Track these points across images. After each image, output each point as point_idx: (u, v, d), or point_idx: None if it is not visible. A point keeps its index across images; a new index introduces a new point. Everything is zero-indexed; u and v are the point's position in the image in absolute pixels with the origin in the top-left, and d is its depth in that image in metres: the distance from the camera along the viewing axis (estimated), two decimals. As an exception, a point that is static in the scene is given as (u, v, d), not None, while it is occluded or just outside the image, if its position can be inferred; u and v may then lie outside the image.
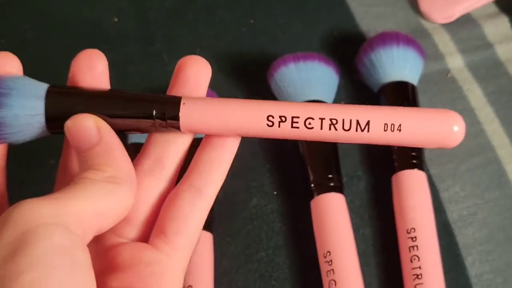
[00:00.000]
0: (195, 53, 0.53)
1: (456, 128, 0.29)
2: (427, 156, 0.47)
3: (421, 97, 0.49)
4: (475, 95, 0.51)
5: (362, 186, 0.48)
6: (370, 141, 0.29)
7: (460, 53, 0.53)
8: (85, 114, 0.29)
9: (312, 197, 0.45)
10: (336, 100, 0.50)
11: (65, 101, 0.30)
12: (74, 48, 0.55)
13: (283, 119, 0.29)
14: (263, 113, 0.29)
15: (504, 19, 0.54)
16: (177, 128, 0.30)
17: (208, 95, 0.48)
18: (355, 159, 0.49)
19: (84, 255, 0.26)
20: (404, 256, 0.43)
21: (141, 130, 0.30)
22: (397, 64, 0.48)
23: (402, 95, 0.48)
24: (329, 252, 0.42)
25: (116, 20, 0.58)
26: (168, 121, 0.29)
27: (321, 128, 0.29)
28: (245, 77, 0.53)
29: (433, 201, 0.45)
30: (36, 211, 0.25)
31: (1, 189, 0.31)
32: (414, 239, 0.42)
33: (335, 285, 0.41)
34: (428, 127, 0.29)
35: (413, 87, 0.48)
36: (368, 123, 0.29)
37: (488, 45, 0.53)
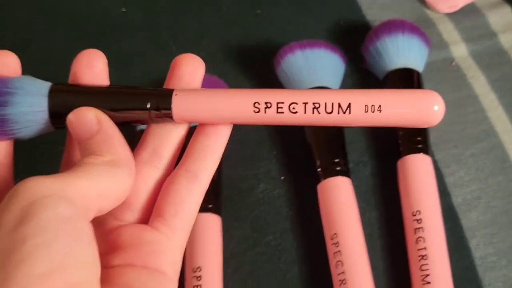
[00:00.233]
0: (201, 43, 0.56)
1: (436, 107, 0.30)
2: (432, 142, 0.48)
3: (426, 85, 0.50)
4: (479, 82, 0.52)
5: (368, 171, 0.49)
6: (352, 123, 0.30)
7: (464, 42, 0.54)
8: (85, 107, 0.31)
9: (318, 181, 0.46)
10: (343, 87, 0.51)
11: (67, 97, 0.32)
12: (82, 39, 0.57)
13: (268, 105, 0.30)
14: (249, 100, 0.30)
15: (507, 9, 0.55)
16: (171, 118, 0.31)
17: (215, 83, 0.50)
18: (361, 146, 0.50)
19: (87, 225, 0.27)
20: (410, 238, 0.44)
21: (139, 122, 0.32)
22: (402, 52, 0.49)
23: (407, 82, 0.49)
24: (336, 234, 0.43)
25: (124, 11, 0.59)
26: (162, 111, 0.31)
27: (305, 112, 0.30)
28: (252, 66, 0.54)
29: (438, 186, 0.46)
30: (42, 186, 0.26)
31: (8, 184, 0.33)
32: (419, 221, 0.43)
33: (342, 265, 0.42)
34: (408, 107, 0.30)
35: (418, 74, 0.49)
36: (349, 105, 0.30)
37: (492, 34, 0.54)
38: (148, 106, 0.31)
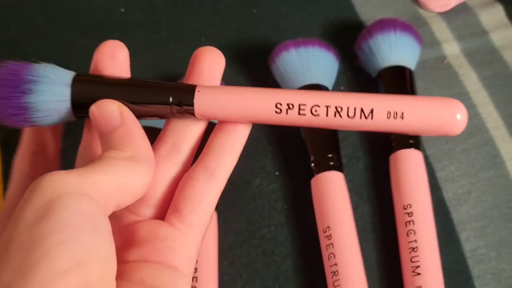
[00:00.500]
0: (200, 41, 0.57)
1: (459, 116, 0.30)
2: (423, 137, 0.49)
3: (418, 83, 0.51)
4: (471, 80, 0.53)
5: (361, 166, 0.50)
6: (374, 128, 0.30)
7: (456, 40, 0.55)
8: (109, 100, 0.31)
9: (312, 176, 0.47)
10: (336, 85, 0.52)
11: (90, 88, 0.32)
12: (84, 37, 0.58)
13: (291, 106, 0.30)
14: (272, 100, 0.31)
15: (498, 7, 0.56)
16: (192, 114, 0.32)
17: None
18: (355, 141, 0.51)
19: (106, 222, 0.27)
20: (401, 230, 0.45)
21: (159, 116, 0.32)
22: (395, 50, 0.50)
23: (399, 79, 0.50)
24: (328, 227, 0.44)
25: (123, 10, 0.60)
26: (184, 107, 0.31)
27: (327, 115, 0.30)
28: (248, 64, 0.55)
29: (430, 180, 0.47)
30: (62, 181, 0.27)
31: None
32: (410, 214, 0.44)
33: (334, 258, 0.43)
34: (431, 115, 0.30)
35: (410, 71, 0.50)
36: (372, 111, 0.30)
37: (483, 32, 0.55)
38: (171, 100, 0.31)
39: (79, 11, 0.60)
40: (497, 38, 0.55)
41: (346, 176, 0.47)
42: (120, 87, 0.32)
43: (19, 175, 0.34)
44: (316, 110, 0.30)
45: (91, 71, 0.33)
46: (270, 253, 0.47)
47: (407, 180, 0.45)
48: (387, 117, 0.30)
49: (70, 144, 0.36)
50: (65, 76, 0.32)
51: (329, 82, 0.51)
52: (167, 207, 0.32)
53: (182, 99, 0.31)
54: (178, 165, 0.33)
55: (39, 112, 0.31)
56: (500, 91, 0.52)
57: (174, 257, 0.30)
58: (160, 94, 0.32)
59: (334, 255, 0.43)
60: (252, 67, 0.55)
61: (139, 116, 0.32)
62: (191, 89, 0.31)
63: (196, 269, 0.44)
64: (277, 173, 0.50)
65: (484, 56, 0.54)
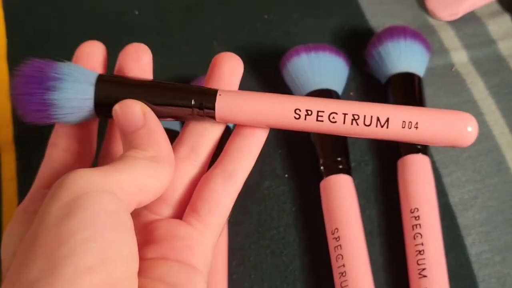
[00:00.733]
0: (212, 45, 0.58)
1: (469, 129, 0.31)
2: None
3: (426, 90, 0.52)
4: (478, 88, 0.54)
5: (369, 170, 0.50)
6: (389, 137, 0.31)
7: (464, 49, 0.56)
8: (132, 100, 0.32)
9: (321, 179, 0.48)
10: (345, 90, 0.53)
11: (113, 88, 0.33)
12: (97, 39, 0.58)
13: (309, 112, 0.31)
14: (291, 106, 0.31)
15: (506, 17, 0.57)
16: (212, 117, 0.32)
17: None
18: (363, 146, 0.51)
19: (129, 220, 0.28)
20: (408, 234, 0.45)
21: (180, 118, 0.33)
22: (404, 56, 0.51)
23: (408, 86, 0.51)
24: (337, 228, 0.45)
25: (137, 13, 0.61)
26: (205, 110, 0.32)
27: (344, 123, 0.31)
28: (260, 68, 0.56)
29: (436, 185, 0.48)
30: (87, 179, 0.28)
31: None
32: (417, 218, 0.45)
33: (342, 259, 0.44)
34: (443, 126, 0.31)
35: (419, 78, 0.51)
36: (387, 120, 0.31)
37: (491, 42, 0.56)
38: (192, 103, 0.32)
39: (92, 13, 0.61)
40: (505, 47, 0.56)
41: (354, 180, 0.48)
42: (143, 88, 0.33)
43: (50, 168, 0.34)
44: (333, 117, 0.31)
45: (115, 72, 0.34)
46: (278, 253, 0.48)
47: (414, 184, 0.46)
48: (402, 127, 0.31)
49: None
50: (90, 75, 0.33)
51: (339, 87, 0.52)
52: (184, 207, 0.33)
53: (204, 102, 0.32)
54: (196, 167, 0.34)
55: (62, 109, 0.32)
56: (507, 99, 0.53)
57: (191, 255, 0.31)
58: (182, 97, 0.32)
59: (342, 256, 0.44)
60: (263, 71, 0.56)
61: (159, 117, 0.33)
62: (213, 92, 0.32)
63: (206, 267, 0.45)
64: (286, 175, 0.51)
65: (491, 65, 0.55)
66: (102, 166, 0.30)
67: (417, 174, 0.47)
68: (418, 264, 0.44)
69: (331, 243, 0.45)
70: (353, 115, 0.31)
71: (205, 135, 0.34)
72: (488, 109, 0.52)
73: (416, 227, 0.45)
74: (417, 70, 0.51)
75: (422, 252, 0.44)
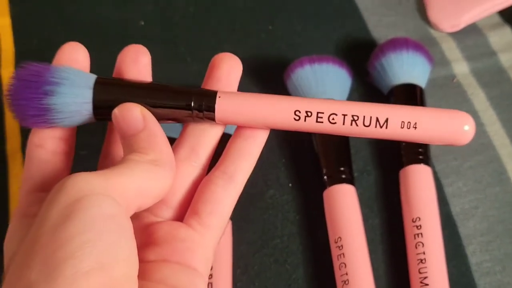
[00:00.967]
0: None
1: (466, 128, 0.31)
2: (432, 153, 0.51)
3: (428, 100, 0.53)
4: (479, 99, 0.54)
5: (371, 180, 0.51)
6: (388, 137, 0.32)
7: (466, 60, 0.57)
8: (131, 103, 0.32)
9: (324, 188, 0.49)
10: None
11: (111, 91, 0.32)
12: (102, 49, 0.59)
13: (309, 113, 0.32)
14: (291, 107, 0.32)
15: (507, 29, 0.58)
16: (212, 119, 0.33)
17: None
18: (366, 156, 0.52)
19: (128, 223, 0.28)
20: (409, 242, 0.46)
21: (179, 120, 0.33)
22: (406, 68, 0.52)
23: (410, 96, 0.51)
24: (340, 237, 0.46)
25: (142, 23, 0.61)
26: (205, 112, 0.32)
27: (343, 124, 0.32)
28: (264, 79, 0.57)
29: (438, 195, 0.48)
30: (87, 182, 0.28)
31: (63, 173, 0.34)
32: (419, 227, 0.46)
33: (345, 267, 0.44)
34: (441, 125, 0.31)
35: (421, 89, 0.52)
36: (386, 120, 0.31)
37: (492, 53, 0.57)
38: (192, 105, 0.32)
39: (98, 23, 0.61)
40: (506, 59, 0.56)
41: (357, 189, 0.49)
42: (142, 90, 0.33)
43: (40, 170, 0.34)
44: (333, 118, 0.31)
45: (114, 74, 0.34)
46: (282, 262, 0.48)
47: (416, 194, 0.47)
48: (401, 127, 0.31)
49: (95, 145, 0.38)
50: (87, 79, 0.32)
51: (341, 98, 0.52)
52: (185, 209, 0.33)
53: (203, 104, 0.32)
54: (196, 168, 0.34)
55: (60, 114, 0.32)
56: (508, 111, 0.54)
57: (192, 258, 0.31)
58: (181, 99, 0.32)
59: (345, 264, 0.45)
60: (267, 82, 0.56)
61: (159, 119, 0.32)
62: (212, 94, 0.32)
63: (211, 275, 0.45)
64: (290, 184, 0.51)
65: (492, 76, 0.56)
66: (103, 169, 0.30)
67: (419, 184, 0.47)
68: (420, 273, 0.44)
69: (334, 252, 0.46)
70: (352, 116, 0.31)
71: (205, 136, 0.34)
72: (488, 120, 0.53)
73: (418, 236, 0.45)
74: (419, 81, 0.52)
75: (423, 261, 0.44)
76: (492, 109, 0.54)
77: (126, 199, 0.29)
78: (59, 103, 0.31)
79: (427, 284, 0.44)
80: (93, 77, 0.33)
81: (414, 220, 0.46)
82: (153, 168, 0.30)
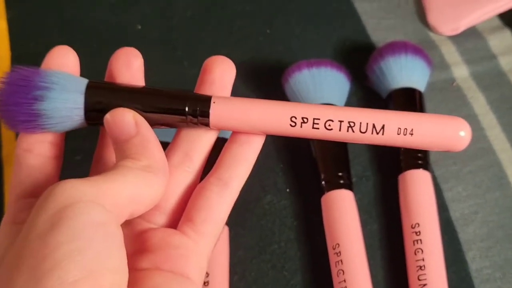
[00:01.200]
0: None
1: (462, 134, 0.31)
2: (432, 158, 0.50)
3: (427, 104, 0.52)
4: (479, 102, 0.54)
5: (370, 185, 0.51)
6: (384, 143, 0.31)
7: (465, 64, 0.56)
8: (124, 108, 0.31)
9: (322, 193, 0.48)
10: (347, 105, 0.53)
11: (103, 95, 0.32)
12: (100, 53, 0.59)
13: (305, 120, 0.31)
14: (287, 113, 0.31)
15: (507, 33, 0.58)
16: (206, 124, 0.32)
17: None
18: (364, 161, 0.52)
19: (118, 231, 0.28)
20: (408, 249, 0.46)
21: (173, 125, 0.33)
22: (405, 72, 0.51)
23: (409, 100, 0.51)
24: (338, 244, 0.45)
25: (139, 27, 0.61)
26: (199, 117, 0.32)
27: (340, 130, 0.31)
28: (262, 83, 0.56)
29: (437, 200, 0.48)
30: (76, 189, 0.27)
31: (53, 179, 0.33)
32: (418, 233, 0.45)
33: (343, 274, 0.44)
34: (438, 132, 0.31)
35: (420, 93, 0.51)
36: (383, 126, 0.31)
37: (492, 56, 0.56)
38: (186, 111, 0.31)
39: (96, 27, 0.61)
40: (506, 62, 0.56)
41: (355, 195, 0.48)
42: (135, 95, 0.32)
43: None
44: (329, 125, 0.31)
45: (106, 78, 0.33)
46: (280, 268, 0.48)
47: (415, 199, 0.46)
48: (398, 133, 0.31)
49: (89, 150, 0.37)
50: (78, 83, 0.32)
51: (340, 102, 0.52)
52: (179, 216, 0.33)
53: (198, 109, 0.32)
54: (190, 174, 0.33)
55: (51, 119, 0.31)
56: (508, 114, 0.53)
57: (186, 265, 0.31)
58: (175, 104, 0.32)
59: (343, 271, 0.44)
60: (265, 86, 0.56)
61: (152, 124, 0.32)
62: (207, 99, 0.32)
63: (208, 282, 0.45)
64: (287, 190, 0.51)
65: (492, 80, 0.55)
66: (95, 174, 0.29)
67: (418, 190, 0.47)
68: (419, 280, 0.44)
69: (332, 258, 0.45)
70: (349, 122, 0.31)
71: (199, 141, 0.33)
72: (488, 124, 0.53)
73: (417, 243, 0.45)
74: (418, 85, 0.51)
75: (423, 268, 0.44)
76: (492, 113, 0.53)
77: (117, 206, 0.28)
78: (50, 109, 0.31)
79: (426, 291, 0.43)
80: (85, 81, 0.32)
81: (413, 226, 0.46)
82: (145, 174, 0.30)
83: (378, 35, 0.58)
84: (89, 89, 0.32)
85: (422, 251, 0.45)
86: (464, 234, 0.48)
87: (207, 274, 0.45)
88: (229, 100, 0.32)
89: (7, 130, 0.53)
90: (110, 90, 0.32)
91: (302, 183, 0.51)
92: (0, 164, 0.52)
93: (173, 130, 0.35)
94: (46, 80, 0.31)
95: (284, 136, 0.33)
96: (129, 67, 0.33)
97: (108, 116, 0.31)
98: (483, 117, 0.53)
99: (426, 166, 0.48)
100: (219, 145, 0.35)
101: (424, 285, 0.44)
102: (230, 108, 0.32)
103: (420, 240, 0.45)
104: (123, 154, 0.31)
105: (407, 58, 0.52)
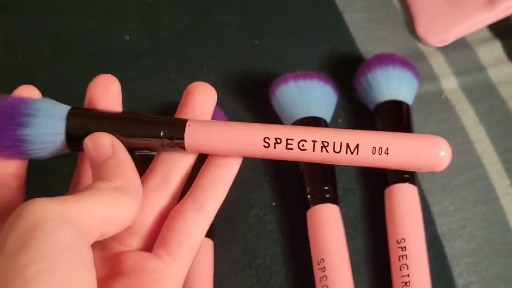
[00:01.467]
0: (202, 71, 0.58)
1: (442, 153, 0.30)
2: (419, 172, 0.50)
3: (415, 116, 0.52)
4: (467, 115, 0.53)
5: (356, 199, 0.50)
6: (359, 163, 0.31)
7: (454, 75, 0.56)
8: (102, 133, 0.32)
9: (308, 208, 0.48)
10: (335, 117, 0.53)
11: (84, 121, 0.33)
12: (88, 64, 0.59)
13: (278, 140, 0.31)
14: (260, 135, 0.31)
15: (497, 44, 0.57)
16: (183, 147, 0.32)
17: (214, 112, 0.52)
18: (351, 174, 0.51)
19: (88, 251, 0.27)
20: (394, 264, 0.45)
21: (151, 149, 0.33)
22: (392, 84, 0.51)
23: (396, 113, 0.51)
24: (322, 259, 0.45)
25: (128, 38, 0.61)
26: (175, 140, 0.32)
27: (314, 150, 0.31)
28: (249, 94, 0.56)
29: (424, 214, 0.47)
30: (46, 209, 0.27)
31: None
32: (403, 248, 0.45)
33: (328, 290, 0.44)
34: (415, 151, 0.30)
35: (407, 106, 0.51)
36: (357, 146, 0.30)
37: (481, 68, 0.56)
38: (161, 134, 0.32)
39: (84, 38, 0.61)
40: (495, 74, 0.56)
41: (341, 209, 0.48)
42: (113, 121, 0.33)
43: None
44: (303, 145, 0.31)
45: (85, 104, 0.34)
46: (265, 283, 0.47)
47: (401, 214, 0.46)
48: (372, 153, 0.30)
49: (75, 164, 0.37)
50: (60, 110, 0.33)
51: (327, 114, 0.51)
52: (154, 239, 0.33)
53: (173, 133, 0.32)
54: (167, 198, 0.33)
55: (34, 144, 0.32)
56: (497, 127, 0.53)
57: None
58: (151, 128, 0.32)
59: (327, 287, 0.44)
60: (253, 98, 0.56)
61: (131, 149, 0.33)
62: (182, 123, 0.32)
63: (191, 297, 0.44)
64: (273, 203, 0.51)
65: (481, 92, 0.55)
66: (65, 196, 0.29)
67: (404, 204, 0.46)
68: (404, 296, 0.43)
69: (317, 274, 0.45)
70: (322, 142, 0.31)
71: (177, 165, 0.33)
72: (477, 136, 0.52)
73: (403, 258, 0.45)
74: (405, 98, 0.51)
75: (408, 284, 0.44)
76: (481, 126, 0.53)
77: (87, 226, 0.28)
78: (33, 134, 0.32)
79: (411, 308, 0.43)
80: (67, 108, 0.33)
81: (399, 241, 0.45)
82: (117, 195, 0.30)
83: (367, 46, 0.58)
84: (70, 116, 0.33)
85: (408, 266, 0.44)
86: (451, 249, 0.48)
87: (191, 289, 0.45)
88: (204, 123, 0.33)
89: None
90: (90, 116, 0.33)
91: (288, 197, 0.51)
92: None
93: None
94: (30, 107, 0.32)
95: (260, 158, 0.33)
96: (107, 92, 0.34)
97: (87, 140, 0.32)
98: (472, 130, 0.53)
99: (412, 180, 0.48)
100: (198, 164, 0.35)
101: (410, 301, 0.43)
102: (204, 131, 0.32)
103: (406, 255, 0.44)
104: (98, 176, 0.31)
105: (395, 70, 0.51)
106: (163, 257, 0.31)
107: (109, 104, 0.34)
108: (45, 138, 0.32)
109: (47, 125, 0.32)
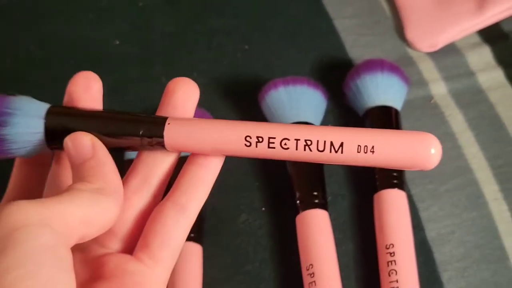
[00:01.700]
0: (192, 76, 0.57)
1: (433, 151, 0.29)
2: (408, 177, 0.50)
3: (404, 122, 0.52)
4: (457, 120, 0.53)
5: (346, 204, 0.50)
6: (344, 162, 0.30)
7: (444, 80, 0.56)
8: (82, 132, 0.31)
9: (297, 213, 0.48)
10: (324, 123, 0.53)
11: (63, 120, 0.32)
12: (78, 68, 0.58)
13: (260, 139, 0.30)
14: (241, 133, 0.30)
15: (486, 49, 0.57)
16: (163, 146, 0.31)
17: (201, 115, 0.51)
18: (340, 179, 0.51)
19: (68, 255, 0.27)
20: (383, 270, 0.45)
21: (132, 148, 0.33)
22: (381, 90, 0.51)
23: (385, 118, 0.51)
24: (311, 265, 0.45)
25: (118, 43, 0.61)
26: (154, 139, 0.31)
27: (296, 149, 0.30)
28: (239, 100, 0.56)
29: (413, 220, 0.47)
30: (24, 212, 0.26)
31: None
32: (392, 254, 0.45)
33: (316, 296, 0.44)
34: (403, 149, 0.29)
35: (396, 111, 0.51)
36: (341, 144, 0.29)
37: (471, 73, 0.56)
38: (141, 133, 0.31)
39: (74, 42, 0.61)
40: (484, 79, 0.56)
41: (331, 214, 0.48)
42: (93, 119, 0.32)
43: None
44: (285, 144, 0.30)
45: (64, 102, 0.33)
46: (254, 288, 0.47)
47: (390, 220, 0.46)
48: (358, 151, 0.29)
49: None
50: (39, 109, 0.32)
51: (316, 120, 0.51)
52: (136, 240, 0.32)
53: (153, 131, 0.31)
54: (148, 198, 0.33)
55: (14, 144, 0.31)
56: (486, 132, 0.53)
57: None
58: (131, 127, 0.32)
59: (316, 293, 0.44)
60: (243, 103, 0.56)
61: (112, 148, 0.32)
62: (162, 121, 0.31)
63: (179, 304, 0.44)
64: (263, 209, 0.50)
65: (470, 97, 0.55)
66: (44, 198, 0.28)
67: (392, 210, 0.46)
68: (393, 302, 0.43)
69: (306, 279, 0.45)
70: (305, 140, 0.30)
71: (158, 165, 0.33)
72: (466, 142, 0.52)
73: (391, 264, 0.44)
74: (394, 103, 0.51)
75: (396, 289, 0.44)
76: (470, 131, 0.53)
77: (67, 228, 0.28)
78: (12, 133, 0.31)
79: (399, 314, 0.43)
80: (46, 106, 0.32)
81: (388, 246, 0.45)
82: (98, 197, 0.29)
83: (357, 51, 0.58)
84: (49, 115, 0.32)
85: (396, 272, 0.44)
86: (440, 255, 0.47)
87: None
88: (185, 121, 0.32)
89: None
90: (69, 115, 0.32)
91: (278, 202, 0.51)
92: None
93: None
94: (9, 106, 0.31)
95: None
96: (88, 90, 0.33)
97: (67, 139, 0.31)
98: (461, 135, 0.53)
99: (401, 185, 0.48)
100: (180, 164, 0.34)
101: (398, 306, 0.43)
102: (184, 129, 0.31)
103: (395, 261, 0.44)
104: (79, 176, 0.31)
105: (383, 76, 0.51)
106: (144, 259, 0.31)
107: (90, 102, 0.33)
108: (25, 138, 0.32)
109: (26, 124, 0.31)
